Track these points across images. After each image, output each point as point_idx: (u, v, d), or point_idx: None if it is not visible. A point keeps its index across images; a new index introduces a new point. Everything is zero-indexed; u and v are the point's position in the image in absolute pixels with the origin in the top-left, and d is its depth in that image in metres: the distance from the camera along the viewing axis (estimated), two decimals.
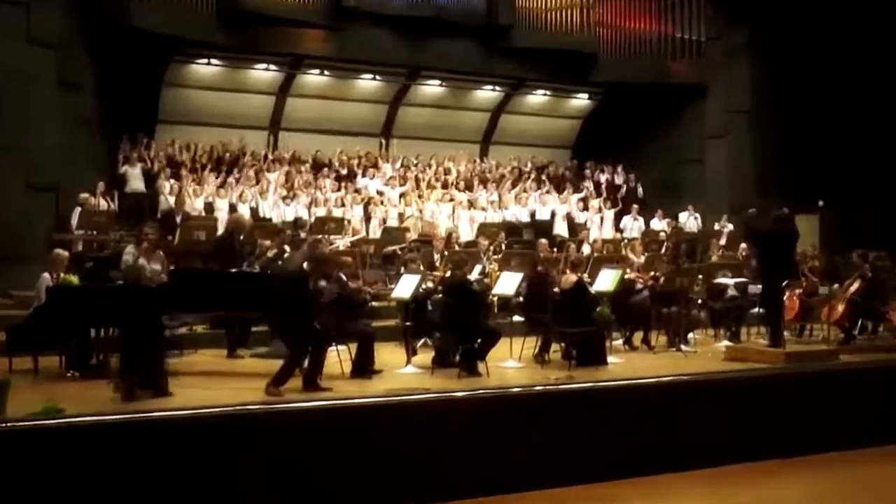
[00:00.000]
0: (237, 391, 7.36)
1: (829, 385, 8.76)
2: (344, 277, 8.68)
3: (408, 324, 9.00)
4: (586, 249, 14.12)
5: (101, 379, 7.45)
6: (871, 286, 10.79)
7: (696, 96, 18.26)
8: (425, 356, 9.03)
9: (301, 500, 6.39)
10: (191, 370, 8.56)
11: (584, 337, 9.03)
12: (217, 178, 14.58)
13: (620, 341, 10.48)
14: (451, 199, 15.86)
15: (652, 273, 11.19)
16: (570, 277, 9.40)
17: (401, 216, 15.13)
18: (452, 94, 18.73)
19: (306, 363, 7.61)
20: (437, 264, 11.39)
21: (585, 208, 17.08)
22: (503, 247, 13.47)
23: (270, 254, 10.40)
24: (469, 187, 16.61)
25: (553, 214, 16.59)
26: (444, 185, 16.39)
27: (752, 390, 8.38)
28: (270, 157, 16.09)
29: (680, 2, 18.37)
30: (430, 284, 9.88)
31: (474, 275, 10.84)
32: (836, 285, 11.24)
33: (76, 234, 12.03)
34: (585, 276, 10.13)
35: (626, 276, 10.44)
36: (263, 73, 16.97)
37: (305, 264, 7.83)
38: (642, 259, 12.38)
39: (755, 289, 10.82)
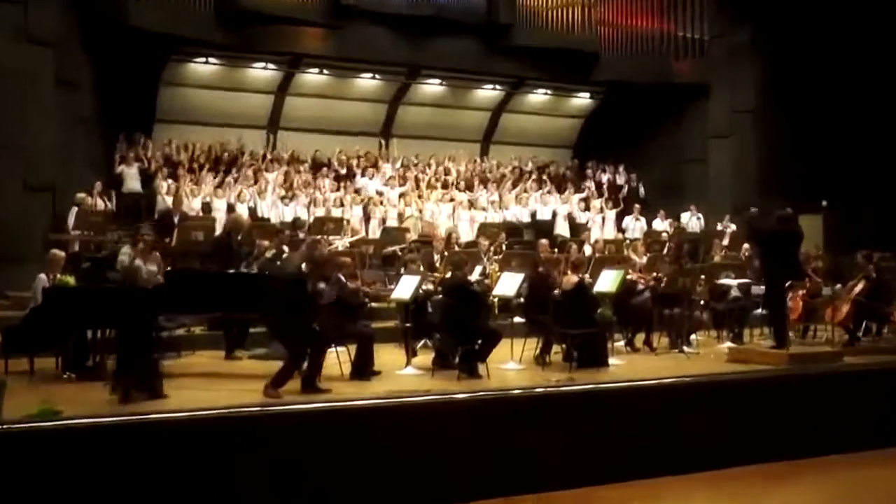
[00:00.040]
0: (235, 393, 7.36)
1: (833, 387, 8.75)
2: (343, 278, 8.68)
3: (407, 325, 9.00)
4: (588, 250, 14.13)
5: (98, 381, 7.45)
6: (876, 287, 10.78)
7: (698, 95, 18.26)
8: (425, 358, 9.03)
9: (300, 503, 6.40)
10: (188, 372, 8.56)
11: (586, 338, 9.02)
12: (215, 177, 14.57)
13: (622, 343, 10.47)
14: (452, 199, 15.86)
15: (654, 274, 11.18)
16: (572, 278, 9.39)
17: (400, 216, 15.14)
18: (452, 93, 18.73)
19: (305, 365, 7.61)
20: (437, 265, 11.39)
21: (587, 208, 17.08)
22: (504, 247, 13.46)
23: (269, 254, 10.41)
24: (469, 187, 16.61)
25: (554, 215, 16.58)
26: (445, 185, 16.39)
27: (755, 392, 8.38)
28: (269, 156, 16.07)
29: (682, 0, 18.35)
30: (430, 286, 9.89)
31: (474, 276, 10.84)
32: (839, 286, 11.24)
33: (73, 234, 12.02)
34: (587, 276, 10.13)
35: (628, 277, 10.44)
36: (262, 72, 16.97)
37: (304, 266, 7.83)
38: (644, 260, 12.39)
39: (758, 290, 10.82)
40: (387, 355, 9.01)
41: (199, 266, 10.51)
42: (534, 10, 17.52)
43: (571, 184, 17.84)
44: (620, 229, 16.90)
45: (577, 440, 7.32)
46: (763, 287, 10.19)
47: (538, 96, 19.49)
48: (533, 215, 16.52)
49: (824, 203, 16.84)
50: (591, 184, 17.94)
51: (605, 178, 18.41)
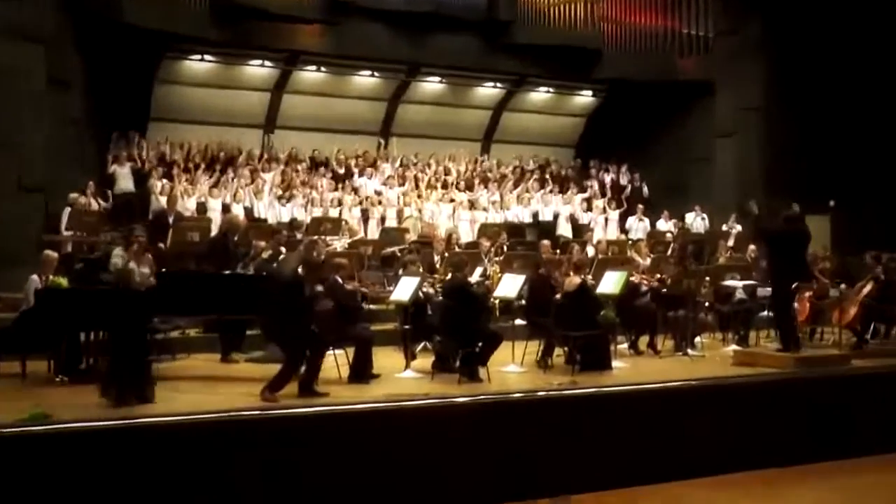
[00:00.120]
0: (231, 396, 7.37)
1: (841, 390, 8.76)
2: (340, 280, 8.68)
3: (407, 327, 9.00)
4: (590, 251, 14.13)
5: (91, 384, 7.43)
6: (884, 288, 10.77)
7: (703, 93, 18.22)
8: (425, 360, 9.03)
9: None
10: (184, 375, 8.57)
11: (588, 341, 9.03)
12: (210, 177, 14.57)
13: (625, 345, 10.48)
14: (452, 199, 15.86)
15: (658, 275, 11.19)
16: (574, 280, 9.39)
17: (399, 216, 15.13)
18: (453, 91, 18.72)
19: (303, 368, 7.60)
20: (437, 266, 11.39)
21: (589, 209, 17.07)
22: (505, 248, 13.45)
23: (265, 255, 10.41)
24: (470, 187, 16.60)
25: (556, 215, 16.58)
26: (445, 185, 16.39)
27: (761, 396, 8.38)
28: (266, 155, 16.07)
29: None
30: (429, 287, 9.89)
31: (475, 277, 10.85)
32: (843, 285, 11.25)
33: (65, 235, 12.02)
34: (589, 278, 10.14)
35: (632, 279, 10.44)
36: (258, 70, 16.96)
37: (300, 269, 7.84)
38: (648, 261, 12.39)
39: (764, 291, 10.83)
40: (386, 358, 9.02)
41: (195, 267, 10.52)
42: (535, 7, 17.50)
43: (574, 183, 17.83)
44: (624, 230, 16.89)
45: (580, 445, 7.32)
46: (769, 288, 10.19)
47: (540, 94, 19.49)
48: (534, 216, 16.52)
49: (832, 203, 16.84)
50: (593, 183, 17.93)
51: (608, 177, 18.39)
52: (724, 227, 16.31)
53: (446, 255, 11.79)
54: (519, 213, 16.35)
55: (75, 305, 8.09)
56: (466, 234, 15.15)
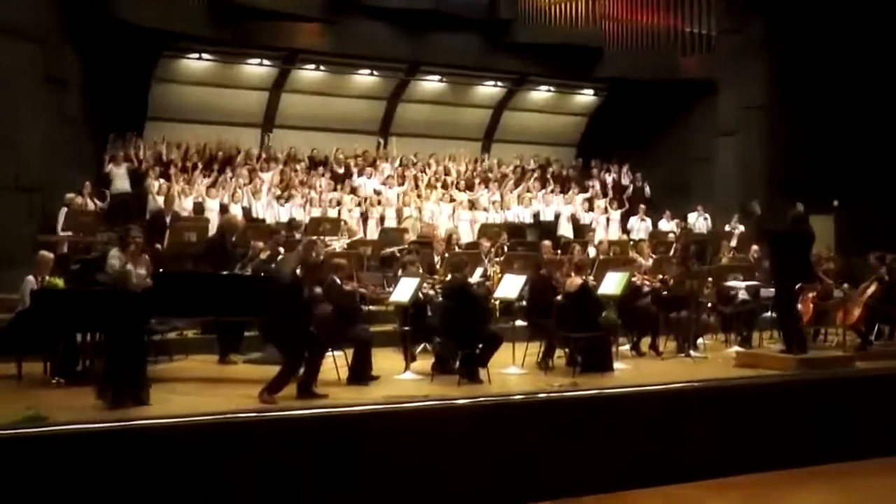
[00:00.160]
0: (229, 398, 7.37)
1: (845, 392, 8.75)
2: (338, 281, 8.68)
3: (406, 328, 9.00)
4: (592, 251, 14.13)
5: (87, 386, 7.44)
6: (889, 289, 10.76)
7: (705, 92, 18.22)
8: (424, 362, 9.03)
9: None
10: (181, 376, 8.57)
11: (590, 342, 9.02)
12: (207, 177, 14.56)
13: (627, 347, 10.48)
14: (452, 199, 15.86)
15: (660, 276, 11.19)
16: (575, 280, 9.39)
17: (399, 216, 15.13)
18: (453, 90, 18.72)
19: (301, 370, 7.60)
20: (437, 267, 11.39)
21: (591, 209, 17.07)
22: (505, 249, 13.45)
23: (264, 256, 10.42)
24: (470, 187, 16.60)
25: (557, 215, 16.58)
26: (444, 185, 16.39)
27: (765, 398, 8.38)
28: (264, 155, 16.07)
29: None
30: (430, 289, 9.88)
31: (475, 278, 10.86)
32: (846, 285, 11.24)
33: (62, 235, 12.01)
34: (591, 278, 10.14)
35: (633, 279, 10.45)
36: (257, 69, 16.96)
37: (298, 270, 7.84)
38: (650, 261, 12.39)
39: (767, 292, 10.83)
40: (385, 360, 9.02)
41: (193, 268, 10.53)
42: (536, 5, 17.51)
43: (575, 183, 17.83)
44: (625, 230, 16.89)
45: (581, 447, 7.32)
46: (772, 289, 10.19)
47: (541, 93, 19.49)
48: (535, 216, 16.52)
49: (836, 203, 16.83)
50: (595, 183, 17.93)
51: (609, 177, 18.38)
52: (727, 228, 16.30)
53: (446, 255, 11.79)
54: (519, 214, 16.35)
55: (71, 306, 8.09)
56: (466, 235, 15.16)
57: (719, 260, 13.28)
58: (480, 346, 8.42)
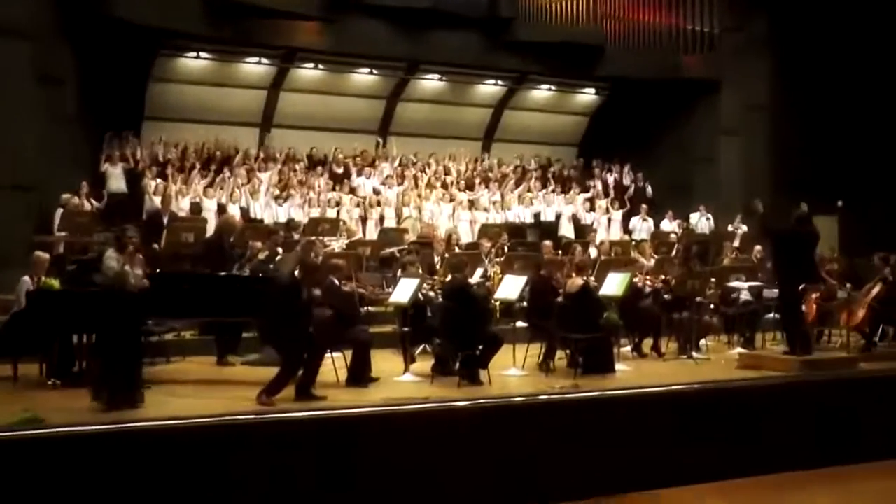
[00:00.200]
0: (227, 400, 7.37)
1: (849, 394, 8.75)
2: (336, 282, 8.68)
3: (406, 329, 8.99)
4: (593, 252, 14.13)
5: (84, 387, 7.43)
6: (893, 290, 10.77)
7: (708, 91, 18.23)
8: (424, 364, 9.03)
9: None
10: (178, 378, 8.57)
11: (591, 343, 9.02)
12: (205, 177, 14.56)
13: (629, 348, 10.49)
14: (452, 199, 15.86)
15: (662, 277, 11.19)
16: (576, 281, 9.39)
17: (398, 216, 15.13)
18: (453, 89, 18.72)
19: (300, 372, 7.60)
20: (437, 267, 11.39)
21: (592, 209, 17.07)
22: (506, 249, 13.45)
23: (262, 256, 10.43)
24: (470, 186, 16.60)
25: (558, 215, 16.58)
26: (444, 185, 16.38)
27: (768, 399, 8.38)
28: (262, 154, 16.06)
29: None
30: (430, 290, 9.88)
31: (475, 278, 10.85)
32: (849, 285, 11.23)
33: (58, 235, 12.01)
34: (592, 279, 10.13)
35: (635, 280, 10.44)
36: (255, 67, 16.96)
37: (297, 272, 7.84)
38: (652, 262, 12.38)
39: (770, 293, 10.83)
40: (384, 361, 9.02)
41: (190, 269, 10.52)
42: (536, 3, 17.46)
43: (576, 183, 17.83)
44: (627, 230, 16.89)
45: (583, 449, 7.32)
46: (775, 290, 10.19)
47: (541, 92, 19.49)
48: (536, 216, 16.52)
49: (840, 203, 16.83)
50: (596, 183, 17.93)
51: (611, 177, 18.39)
52: (730, 228, 16.30)
53: (446, 256, 11.78)
54: (520, 214, 16.35)
55: (67, 307, 8.09)
56: (467, 235, 15.16)
57: (722, 260, 13.28)
58: (481, 347, 8.42)
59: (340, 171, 16.09)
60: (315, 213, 14.32)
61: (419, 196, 15.67)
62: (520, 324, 9.93)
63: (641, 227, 16.81)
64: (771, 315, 11.29)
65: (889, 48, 16.60)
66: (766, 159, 17.63)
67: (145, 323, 8.48)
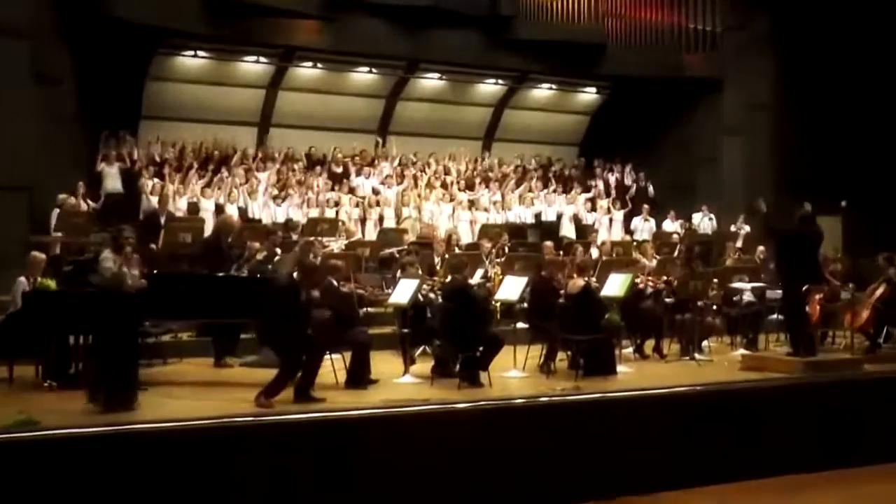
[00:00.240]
0: (225, 402, 7.36)
1: (853, 396, 8.74)
2: (335, 283, 8.67)
3: (405, 331, 8.98)
4: (594, 252, 14.13)
5: (80, 389, 7.41)
6: None
7: (710, 90, 18.22)
8: (424, 365, 9.03)
9: None
10: (176, 380, 8.57)
11: (592, 345, 9.02)
12: (203, 176, 14.55)
13: (630, 349, 10.48)
14: (452, 199, 15.85)
15: (664, 277, 11.18)
16: (577, 282, 9.39)
17: (398, 217, 15.12)
18: (453, 88, 18.72)
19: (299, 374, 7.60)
20: (437, 268, 11.38)
21: (594, 209, 17.07)
22: (506, 250, 13.46)
23: (260, 257, 10.42)
24: (470, 186, 16.59)
25: (559, 215, 16.59)
26: (444, 185, 16.38)
27: (771, 402, 8.38)
28: (261, 154, 16.05)
29: None
30: (430, 292, 9.87)
31: (476, 279, 10.85)
32: (851, 285, 11.23)
33: (54, 236, 12.01)
34: (593, 280, 10.13)
35: (637, 281, 10.44)
36: (253, 66, 16.96)
37: (295, 274, 7.84)
38: (654, 263, 12.38)
39: (773, 294, 10.82)
40: (384, 363, 9.02)
41: (188, 269, 10.51)
42: (537, 1, 17.45)
43: (577, 183, 17.82)
44: (629, 231, 16.89)
45: (584, 452, 7.32)
46: (778, 291, 10.18)
47: (542, 91, 19.49)
48: (537, 216, 16.52)
49: (843, 203, 16.83)
50: (598, 183, 17.92)
51: (612, 176, 18.38)
52: (733, 228, 16.29)
53: (446, 256, 11.78)
54: (521, 214, 16.34)
55: (64, 308, 8.08)
56: (467, 235, 15.15)
57: (724, 261, 13.28)
58: (481, 348, 8.41)
59: (339, 170, 16.09)
60: (314, 213, 14.31)
61: (419, 196, 15.66)
62: (520, 325, 9.92)
63: (643, 227, 16.81)
64: (774, 316, 11.29)
65: (893, 46, 16.58)
66: (769, 159, 17.62)
67: (142, 324, 8.47)
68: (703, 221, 17.04)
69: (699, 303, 10.57)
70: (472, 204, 16.00)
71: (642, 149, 18.70)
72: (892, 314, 10.77)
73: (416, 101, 18.51)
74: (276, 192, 14.81)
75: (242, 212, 14.14)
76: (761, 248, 13.02)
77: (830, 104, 16.76)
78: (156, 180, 14.07)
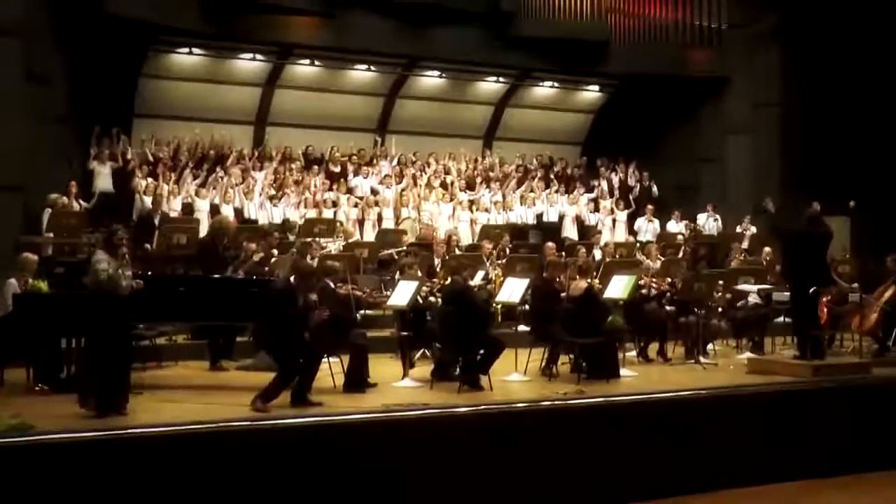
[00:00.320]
0: (221, 406, 7.36)
1: (861, 400, 8.75)
2: (332, 285, 8.67)
3: (405, 334, 8.99)
4: (597, 254, 14.13)
5: (72, 393, 7.42)
6: None
7: (716, 89, 18.24)
8: (424, 369, 9.04)
9: None
10: (170, 383, 8.57)
11: (595, 348, 9.03)
12: (198, 176, 14.55)
13: (634, 353, 10.49)
14: (452, 199, 15.86)
15: (668, 279, 11.19)
16: (580, 284, 9.40)
17: (397, 217, 15.13)
18: (453, 86, 18.70)
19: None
20: (437, 270, 11.39)
21: (596, 209, 17.08)
22: (507, 251, 13.46)
23: (256, 258, 10.42)
24: (471, 186, 16.60)
25: (561, 216, 16.59)
26: (444, 185, 16.38)
27: (777, 406, 8.38)
28: (257, 153, 16.05)
29: None
30: (429, 294, 9.88)
31: (476, 281, 10.85)
32: (855, 284, 11.23)
33: (45, 236, 12.01)
34: (596, 282, 10.13)
35: (640, 283, 10.44)
36: (249, 64, 16.95)
37: (292, 277, 7.85)
38: (658, 264, 12.38)
39: (779, 296, 10.82)
40: (383, 366, 9.02)
41: (183, 271, 10.52)
42: None
43: (580, 183, 17.82)
44: (632, 232, 16.90)
45: (586, 457, 7.32)
46: (785, 293, 10.17)
47: (544, 89, 19.49)
48: (539, 217, 16.52)
49: (852, 204, 16.83)
50: (601, 183, 17.92)
51: (615, 176, 18.36)
52: (738, 229, 16.31)
53: (446, 258, 11.79)
54: (522, 214, 16.34)
55: (56, 311, 8.08)
56: (467, 236, 15.16)
57: (730, 263, 13.30)
58: (482, 352, 8.42)
59: (337, 170, 16.08)
60: (311, 213, 14.30)
61: (418, 196, 15.66)
62: (522, 328, 9.94)
63: (647, 228, 16.81)
64: (781, 319, 11.29)
65: None
66: (776, 158, 17.63)
67: (136, 327, 8.47)
68: (709, 222, 17.05)
69: (704, 305, 10.57)
70: (472, 204, 16.00)
71: (646, 148, 18.70)
72: None
73: (416, 100, 18.50)
74: (272, 192, 14.80)
75: (238, 212, 14.12)
76: (767, 249, 13.02)
77: (838, 102, 16.76)
78: (150, 180, 14.05)
